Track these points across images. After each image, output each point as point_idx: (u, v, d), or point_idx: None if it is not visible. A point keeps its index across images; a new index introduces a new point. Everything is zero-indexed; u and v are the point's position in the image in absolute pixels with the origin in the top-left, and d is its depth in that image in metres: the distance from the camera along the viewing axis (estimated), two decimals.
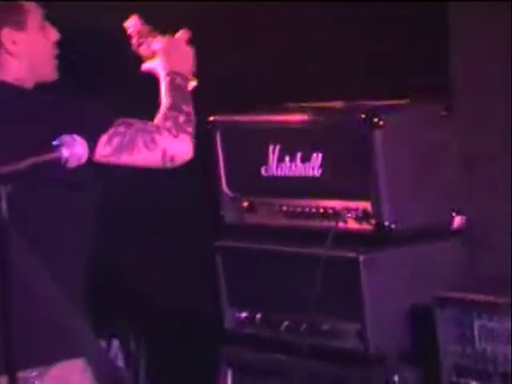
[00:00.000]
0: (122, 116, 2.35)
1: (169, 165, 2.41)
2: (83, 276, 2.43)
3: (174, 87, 2.54)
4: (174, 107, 2.45)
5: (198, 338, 3.09)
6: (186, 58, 2.61)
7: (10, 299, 1.83)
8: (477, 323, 2.31)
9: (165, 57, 2.58)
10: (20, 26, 2.49)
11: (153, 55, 2.55)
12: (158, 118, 2.40)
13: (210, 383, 2.87)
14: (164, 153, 2.38)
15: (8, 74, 2.44)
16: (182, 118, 2.43)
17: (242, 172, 2.94)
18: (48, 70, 2.53)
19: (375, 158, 2.51)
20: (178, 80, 2.53)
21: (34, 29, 2.54)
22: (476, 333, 2.32)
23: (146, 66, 2.56)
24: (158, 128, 2.38)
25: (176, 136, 2.38)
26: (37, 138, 2.09)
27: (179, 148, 2.40)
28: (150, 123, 2.38)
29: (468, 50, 2.85)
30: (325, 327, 2.63)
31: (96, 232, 2.38)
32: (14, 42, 2.43)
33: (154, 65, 2.55)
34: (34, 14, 2.55)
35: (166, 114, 2.42)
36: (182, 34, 2.62)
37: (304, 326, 2.65)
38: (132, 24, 2.60)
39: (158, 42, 2.58)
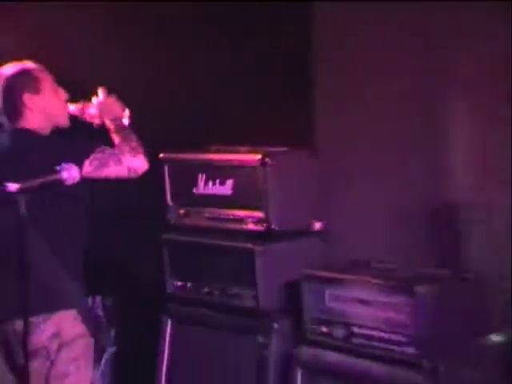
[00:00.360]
0: (96, 147, 3.04)
1: (133, 175, 3.14)
2: (79, 253, 3.17)
3: (116, 129, 3.26)
4: (124, 140, 3.19)
5: (150, 298, 4.09)
6: (112, 106, 3.30)
7: (27, 267, 2.55)
8: (327, 291, 3.26)
9: (100, 114, 3.29)
10: (36, 90, 3.15)
11: (93, 117, 3.29)
12: (118, 148, 3.13)
13: (157, 329, 3.96)
14: (128, 168, 3.11)
15: (29, 123, 3.13)
16: (133, 144, 3.15)
17: (181, 190, 3.89)
18: (62, 120, 3.25)
19: (267, 184, 3.48)
20: (117, 123, 3.24)
21: (47, 91, 3.20)
22: (326, 297, 3.28)
23: (95, 123, 3.28)
24: (121, 151, 3.09)
25: (134, 156, 3.11)
26: (46, 165, 2.71)
27: (138, 163, 3.13)
28: (116, 149, 3.11)
29: (328, 105, 3.86)
30: (232, 292, 3.64)
31: (87, 223, 3.16)
32: (33, 103, 3.10)
33: (98, 121, 3.28)
34: (46, 79, 3.23)
35: (120, 145, 3.15)
36: (102, 93, 3.31)
37: (218, 291, 3.70)
38: (74, 111, 3.32)
39: (91, 109, 3.30)
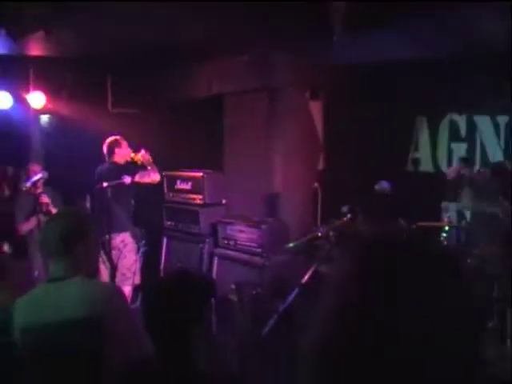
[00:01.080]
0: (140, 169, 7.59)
1: (154, 183, 7.61)
2: (130, 208, 7.61)
3: (148, 163, 7.50)
4: (151, 166, 7.55)
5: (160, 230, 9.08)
6: (146, 155, 7.57)
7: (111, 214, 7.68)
8: (228, 226, 8.37)
9: (143, 158, 7.51)
10: (119, 146, 7.42)
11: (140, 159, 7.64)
12: (150, 170, 7.56)
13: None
14: (153, 179, 7.53)
15: (115, 159, 7.50)
16: (155, 168, 7.54)
17: (171, 186, 8.85)
18: (128, 159, 7.51)
19: (204, 185, 8.51)
20: (149, 161, 7.53)
21: (123, 146, 7.44)
22: (227, 228, 8.41)
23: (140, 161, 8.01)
24: (151, 171, 7.55)
25: (155, 173, 7.58)
26: (119, 176, 7.15)
27: (157, 177, 7.59)
28: (149, 170, 7.60)
29: (233, 149, 8.78)
30: (189, 226, 8.58)
31: (132, 197, 8.21)
32: (117, 152, 7.46)
33: (141, 160, 7.57)
34: (123, 142, 7.46)
35: (151, 169, 7.52)
36: (143, 150, 7.65)
37: (183, 226, 8.70)
38: (133, 156, 7.58)
39: (139, 156, 7.57)
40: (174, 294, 2.72)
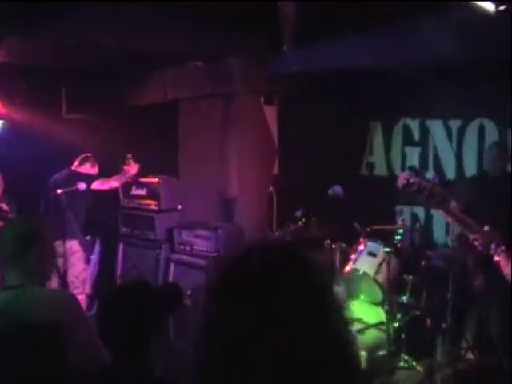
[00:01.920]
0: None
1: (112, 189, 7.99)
2: (83, 214, 7.78)
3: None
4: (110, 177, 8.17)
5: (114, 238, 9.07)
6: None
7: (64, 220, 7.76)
8: (183, 231, 8.43)
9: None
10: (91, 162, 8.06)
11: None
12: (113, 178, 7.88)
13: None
14: (112, 186, 7.81)
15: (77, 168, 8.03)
16: (116, 177, 7.95)
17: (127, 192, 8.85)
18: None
19: (160, 190, 8.50)
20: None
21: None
22: (183, 234, 8.48)
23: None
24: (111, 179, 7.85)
25: (117, 180, 7.82)
26: (74, 184, 7.81)
27: (117, 184, 7.92)
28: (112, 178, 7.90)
29: (189, 155, 8.80)
30: (146, 233, 8.56)
31: (86, 203, 8.18)
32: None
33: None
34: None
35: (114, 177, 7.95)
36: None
37: (139, 233, 8.75)
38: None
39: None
40: (130, 302, 2.72)
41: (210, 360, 1.28)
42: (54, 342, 2.99)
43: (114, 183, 7.81)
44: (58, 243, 6.74)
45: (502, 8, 4.89)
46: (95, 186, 7.61)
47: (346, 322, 1.34)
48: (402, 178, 4.06)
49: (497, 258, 3.91)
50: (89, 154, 7.92)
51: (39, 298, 3.13)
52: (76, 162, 7.85)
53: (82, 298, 7.01)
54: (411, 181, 4.00)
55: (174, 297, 2.95)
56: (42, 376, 2.97)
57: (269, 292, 1.24)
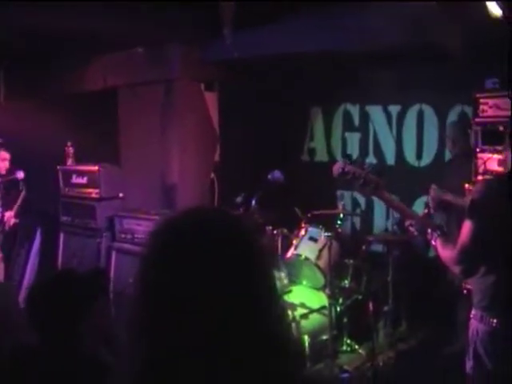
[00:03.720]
0: None
1: None
2: None
3: None
4: None
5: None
6: None
7: None
8: (124, 220, 8.35)
9: None
10: None
11: None
12: None
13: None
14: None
15: None
16: None
17: (67, 181, 8.79)
18: None
19: (100, 179, 8.36)
20: None
21: None
22: (124, 223, 8.39)
23: None
24: None
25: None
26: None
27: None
28: None
29: (129, 142, 8.71)
30: (86, 221, 8.46)
31: None
32: None
33: None
34: None
35: None
36: None
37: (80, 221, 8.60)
38: None
39: None
40: (54, 293, 2.72)
41: (147, 322, 1.31)
42: None
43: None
44: None
45: None
46: None
47: (272, 286, 1.39)
48: (337, 166, 4.10)
49: (433, 243, 3.96)
50: None
51: None
52: None
53: None
54: (346, 169, 4.03)
55: (97, 283, 2.94)
56: None
57: (201, 251, 1.30)
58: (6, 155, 7.74)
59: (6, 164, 7.76)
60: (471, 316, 3.77)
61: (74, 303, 2.72)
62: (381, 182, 4.02)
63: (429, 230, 3.98)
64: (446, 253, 3.80)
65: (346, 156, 4.26)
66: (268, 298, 1.33)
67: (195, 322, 1.25)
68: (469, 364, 3.72)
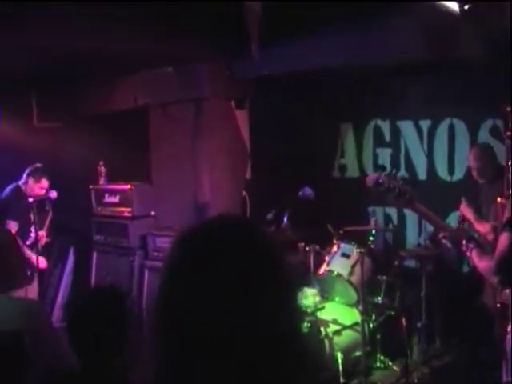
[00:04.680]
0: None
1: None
2: None
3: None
4: None
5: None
6: None
7: None
8: (158, 238, 8.35)
9: None
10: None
11: None
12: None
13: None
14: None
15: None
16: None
17: (100, 200, 8.62)
18: None
19: (132, 197, 8.39)
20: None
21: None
22: (157, 241, 8.40)
23: None
24: None
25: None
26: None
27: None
28: None
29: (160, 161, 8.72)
30: (120, 240, 8.41)
31: None
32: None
33: None
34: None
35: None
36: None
37: (113, 240, 8.63)
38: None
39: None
40: (100, 311, 2.71)
41: (170, 328, 1.30)
42: (18, 350, 2.95)
43: None
44: None
45: (466, 7, 4.91)
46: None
47: (289, 302, 1.35)
48: (371, 177, 4.07)
49: (469, 254, 3.92)
50: (39, 165, 7.71)
51: (4, 308, 3.09)
52: (24, 177, 7.66)
53: None
54: (380, 180, 4.01)
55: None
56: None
57: (212, 263, 1.28)
58: (46, 183, 7.66)
59: (44, 191, 7.70)
60: (508, 330, 3.71)
61: (119, 323, 2.71)
62: (414, 194, 3.99)
63: (463, 242, 3.94)
64: (483, 263, 3.77)
65: (380, 167, 4.23)
66: (283, 315, 1.28)
67: (206, 334, 1.23)
68: (507, 377, 3.66)
